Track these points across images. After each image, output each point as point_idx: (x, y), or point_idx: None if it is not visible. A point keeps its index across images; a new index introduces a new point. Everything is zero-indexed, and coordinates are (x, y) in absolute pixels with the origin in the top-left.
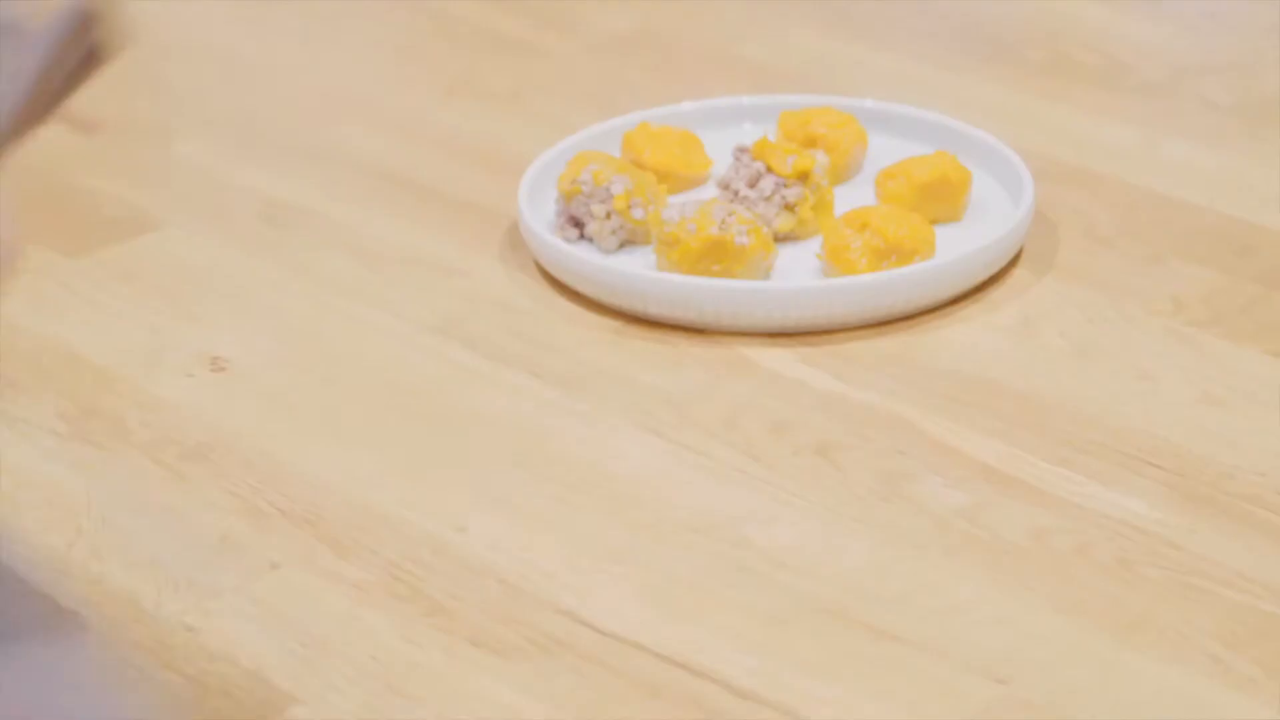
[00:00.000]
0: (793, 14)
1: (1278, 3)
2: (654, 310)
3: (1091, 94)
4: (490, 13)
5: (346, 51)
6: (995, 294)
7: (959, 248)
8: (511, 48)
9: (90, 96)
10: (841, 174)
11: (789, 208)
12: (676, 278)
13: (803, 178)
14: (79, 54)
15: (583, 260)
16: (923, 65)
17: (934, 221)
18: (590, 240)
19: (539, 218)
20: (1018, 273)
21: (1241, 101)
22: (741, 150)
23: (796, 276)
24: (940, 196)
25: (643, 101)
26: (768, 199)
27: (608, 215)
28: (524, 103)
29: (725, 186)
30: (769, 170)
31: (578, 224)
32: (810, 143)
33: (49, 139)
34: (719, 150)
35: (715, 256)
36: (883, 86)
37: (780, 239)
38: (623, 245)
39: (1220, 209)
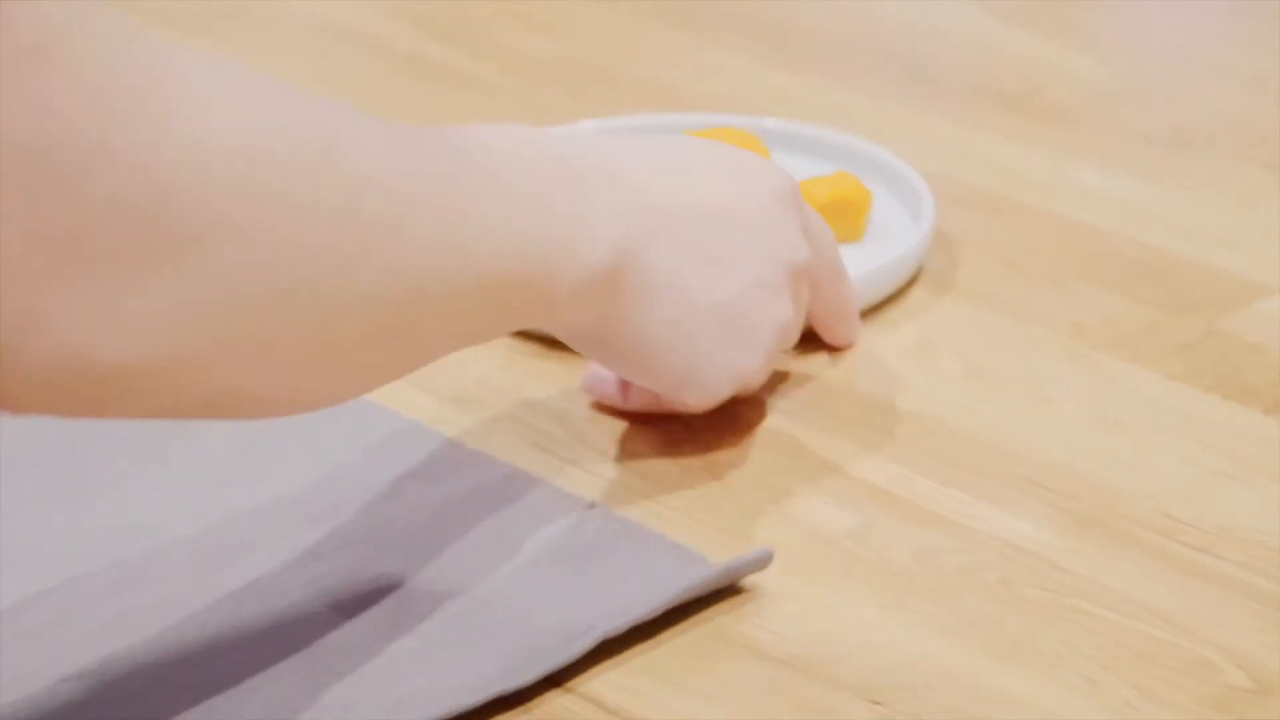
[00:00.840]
0: (719, 42)
1: (1196, 32)
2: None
3: (1005, 118)
4: (416, 38)
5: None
6: (893, 314)
7: (857, 268)
8: (435, 73)
9: None
10: None
11: None
12: None
13: None
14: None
15: None
16: (844, 92)
17: None
18: None
19: None
20: (917, 293)
21: (1156, 128)
22: None
23: None
24: (840, 216)
25: (558, 124)
26: None
27: None
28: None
29: None
30: None
31: None
32: None
33: None
34: None
35: None
36: (801, 112)
37: None
38: None
39: (1127, 234)
